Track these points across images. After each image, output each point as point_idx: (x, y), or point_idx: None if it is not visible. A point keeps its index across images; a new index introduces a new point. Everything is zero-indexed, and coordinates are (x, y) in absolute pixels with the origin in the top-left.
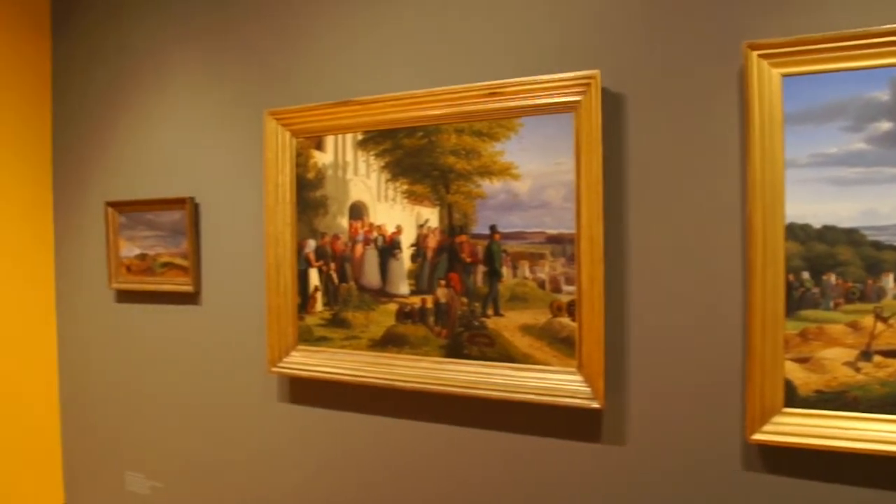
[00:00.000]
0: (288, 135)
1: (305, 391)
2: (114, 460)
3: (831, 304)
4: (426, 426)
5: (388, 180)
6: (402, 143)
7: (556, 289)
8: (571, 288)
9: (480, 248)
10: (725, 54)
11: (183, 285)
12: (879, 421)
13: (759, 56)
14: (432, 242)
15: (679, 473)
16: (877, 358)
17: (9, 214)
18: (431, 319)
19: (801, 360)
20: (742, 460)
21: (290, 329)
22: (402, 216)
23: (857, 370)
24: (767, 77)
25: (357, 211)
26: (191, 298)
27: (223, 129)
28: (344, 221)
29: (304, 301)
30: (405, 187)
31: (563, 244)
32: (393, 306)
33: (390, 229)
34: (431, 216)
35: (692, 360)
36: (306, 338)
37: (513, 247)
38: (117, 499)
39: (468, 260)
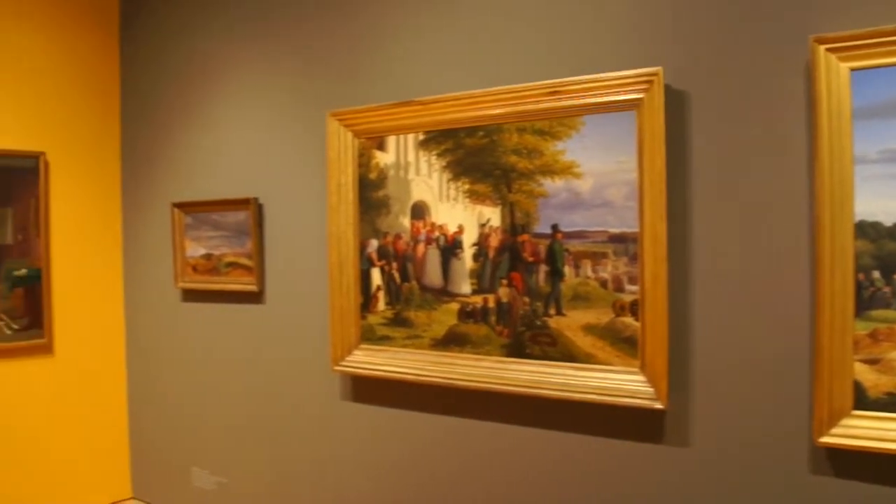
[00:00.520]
0: (350, 135)
1: (368, 390)
2: (180, 455)
3: None
4: (488, 425)
5: (449, 180)
6: (463, 142)
7: (619, 288)
8: (634, 287)
9: (542, 248)
10: (791, 49)
11: (247, 285)
12: None
13: (827, 50)
14: (494, 242)
15: (744, 476)
16: None
17: (79, 216)
18: (493, 319)
19: (871, 362)
20: (809, 464)
21: (352, 328)
22: (463, 216)
23: None
24: (836, 71)
25: (419, 210)
26: (255, 298)
27: (286, 130)
28: (406, 221)
29: (367, 300)
30: (467, 187)
31: (625, 243)
32: (455, 305)
33: (452, 229)
34: (493, 215)
35: (758, 361)
36: (369, 337)
37: (575, 246)
38: (183, 493)
39: (530, 259)
